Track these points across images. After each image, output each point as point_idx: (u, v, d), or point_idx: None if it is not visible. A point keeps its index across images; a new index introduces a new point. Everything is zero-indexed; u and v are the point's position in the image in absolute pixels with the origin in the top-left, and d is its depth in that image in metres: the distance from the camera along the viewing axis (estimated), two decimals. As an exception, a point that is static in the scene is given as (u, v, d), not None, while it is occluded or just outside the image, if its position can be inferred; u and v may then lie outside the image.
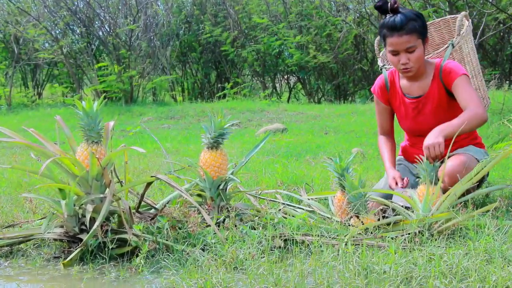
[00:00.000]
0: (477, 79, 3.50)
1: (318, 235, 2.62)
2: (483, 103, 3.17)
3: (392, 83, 3.36)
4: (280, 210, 3.10)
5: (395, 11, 3.13)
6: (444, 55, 3.28)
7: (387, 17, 3.16)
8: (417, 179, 3.05)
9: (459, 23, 3.42)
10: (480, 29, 8.52)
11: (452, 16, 3.77)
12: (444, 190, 2.85)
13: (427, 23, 3.35)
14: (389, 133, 3.50)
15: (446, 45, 3.36)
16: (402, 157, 3.49)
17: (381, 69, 3.45)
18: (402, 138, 3.58)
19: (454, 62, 3.24)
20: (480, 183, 3.17)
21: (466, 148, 3.22)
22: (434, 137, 2.92)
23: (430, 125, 3.12)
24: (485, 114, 3.05)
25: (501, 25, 9.95)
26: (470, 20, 3.52)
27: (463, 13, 3.48)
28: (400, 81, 3.34)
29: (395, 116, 3.47)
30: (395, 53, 3.14)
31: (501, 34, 10.79)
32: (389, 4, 3.15)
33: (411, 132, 3.39)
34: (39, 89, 13.77)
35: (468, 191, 2.86)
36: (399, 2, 3.23)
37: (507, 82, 10.45)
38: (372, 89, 3.46)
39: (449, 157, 3.06)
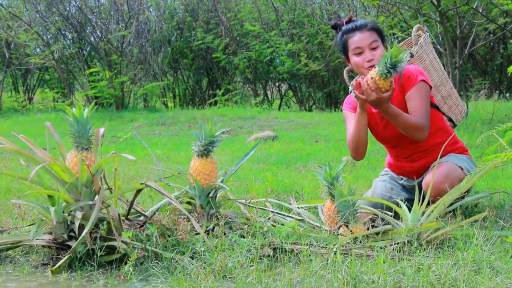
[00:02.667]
0: (447, 87, 3.49)
1: (307, 244, 2.62)
2: (428, 119, 3.12)
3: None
4: (269, 218, 3.10)
5: (349, 21, 3.24)
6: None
7: (345, 25, 3.23)
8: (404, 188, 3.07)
9: (414, 33, 3.42)
10: (471, 39, 8.57)
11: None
12: (433, 201, 2.87)
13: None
14: None
15: (405, 55, 3.37)
16: (389, 169, 3.51)
17: (351, 92, 3.41)
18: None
19: (413, 66, 3.24)
20: (467, 192, 3.18)
21: (448, 157, 3.20)
22: (377, 95, 2.91)
23: (396, 133, 3.18)
24: (425, 130, 3.06)
25: (491, 35, 10.03)
26: (426, 32, 3.51)
27: (417, 25, 3.48)
28: None
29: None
30: (359, 51, 3.15)
31: (491, 44, 10.88)
32: (344, 20, 3.25)
33: (386, 142, 3.38)
34: (30, 94, 13.74)
35: (455, 200, 2.88)
36: (353, 17, 3.30)
37: (497, 91, 10.53)
38: (343, 108, 3.41)
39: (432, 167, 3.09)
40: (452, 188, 2.86)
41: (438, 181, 2.96)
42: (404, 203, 2.90)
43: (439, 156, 3.02)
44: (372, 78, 2.89)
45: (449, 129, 3.35)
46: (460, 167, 3.11)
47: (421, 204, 2.76)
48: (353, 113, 3.30)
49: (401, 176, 3.41)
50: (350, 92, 3.36)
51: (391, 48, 2.78)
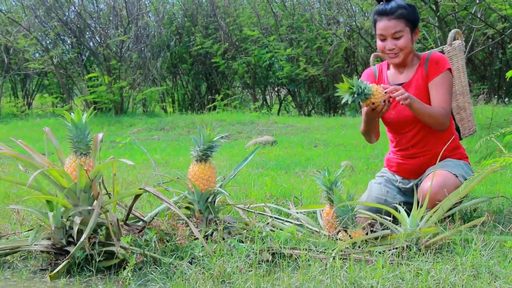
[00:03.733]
0: (465, 99, 3.49)
1: (306, 249, 2.62)
2: (450, 110, 3.20)
3: (380, 72, 3.40)
4: (268, 223, 3.10)
5: None
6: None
7: (380, 4, 3.23)
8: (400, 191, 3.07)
9: (450, 36, 3.46)
10: (469, 44, 8.59)
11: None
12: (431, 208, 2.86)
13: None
14: None
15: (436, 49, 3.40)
16: (386, 169, 3.49)
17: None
18: (387, 150, 3.58)
19: (440, 54, 3.27)
20: (465, 197, 3.17)
21: (444, 163, 3.20)
22: (404, 92, 2.97)
23: (409, 116, 3.17)
24: (447, 122, 3.15)
25: (490, 40, 10.05)
26: (463, 39, 3.53)
27: (455, 30, 3.52)
28: (388, 71, 3.37)
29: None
30: (382, 38, 3.19)
31: (490, 49, 10.89)
32: None
33: (393, 124, 3.33)
34: (29, 99, 13.73)
35: (454, 205, 2.87)
36: None
37: (496, 96, 10.54)
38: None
39: (428, 174, 3.09)
40: (454, 191, 2.86)
41: (434, 192, 2.95)
42: (403, 207, 2.89)
43: (437, 161, 3.01)
44: None
45: (455, 134, 3.34)
46: (455, 174, 3.10)
47: (420, 209, 2.76)
48: None
49: (397, 177, 3.39)
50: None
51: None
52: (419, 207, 2.77)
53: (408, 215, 2.78)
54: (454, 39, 3.48)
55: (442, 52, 3.40)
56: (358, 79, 2.92)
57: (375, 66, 3.45)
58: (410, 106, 3.01)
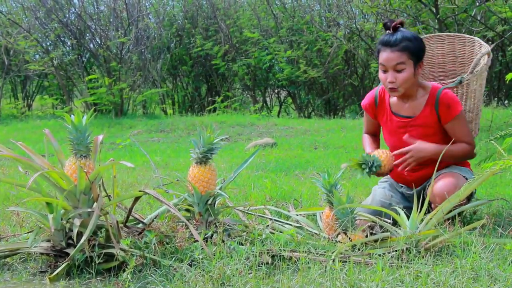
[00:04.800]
0: (473, 113, 3.44)
1: (306, 252, 2.62)
2: (472, 138, 3.26)
3: (381, 99, 3.35)
4: (268, 225, 3.10)
5: (395, 29, 3.14)
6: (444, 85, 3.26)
7: (386, 33, 3.18)
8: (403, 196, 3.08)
9: (477, 59, 3.37)
10: (469, 46, 8.57)
11: (478, 41, 3.63)
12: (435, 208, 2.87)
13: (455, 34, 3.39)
14: (374, 134, 3.55)
15: (454, 80, 3.32)
16: (389, 176, 3.49)
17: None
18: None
19: (451, 93, 3.19)
20: (468, 200, 3.18)
21: (451, 168, 3.21)
22: (418, 154, 3.08)
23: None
24: (473, 152, 3.22)
25: (490, 42, 10.03)
26: (491, 55, 3.45)
27: (488, 49, 3.42)
28: (390, 98, 3.32)
29: (381, 129, 3.49)
30: (384, 69, 3.13)
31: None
32: (392, 24, 3.17)
33: (395, 149, 3.33)
34: (29, 100, 13.73)
35: (455, 208, 2.87)
36: (405, 23, 3.24)
37: (495, 99, 10.54)
38: (362, 104, 3.46)
39: (436, 177, 3.08)
40: (454, 194, 2.87)
41: (448, 191, 2.96)
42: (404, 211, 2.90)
43: (437, 164, 3.01)
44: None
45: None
46: (465, 177, 3.12)
47: (420, 212, 2.76)
48: (367, 114, 3.45)
49: (401, 184, 3.41)
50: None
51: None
52: (419, 209, 2.77)
53: (408, 217, 2.79)
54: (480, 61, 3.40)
55: (461, 82, 3.31)
56: (366, 155, 3.10)
57: (378, 90, 3.37)
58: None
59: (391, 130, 3.32)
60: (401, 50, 3.07)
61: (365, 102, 3.43)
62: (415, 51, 3.10)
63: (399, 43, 3.08)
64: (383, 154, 3.12)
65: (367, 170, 3.06)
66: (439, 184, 3.03)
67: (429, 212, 2.86)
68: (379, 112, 3.37)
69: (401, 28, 3.15)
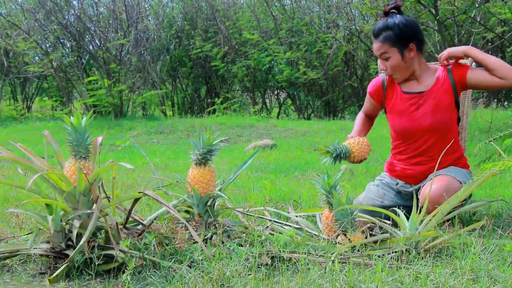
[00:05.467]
0: (464, 121, 3.47)
1: (305, 253, 2.62)
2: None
3: (390, 82, 3.36)
4: (267, 227, 3.09)
5: (386, 14, 3.22)
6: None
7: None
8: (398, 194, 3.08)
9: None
10: (469, 47, 8.58)
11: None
12: (428, 213, 2.86)
13: None
14: (370, 117, 3.58)
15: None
16: (386, 173, 3.48)
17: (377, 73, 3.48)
18: (388, 154, 3.58)
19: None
20: (465, 201, 3.17)
21: (448, 169, 3.19)
22: (461, 49, 3.10)
23: (425, 125, 3.17)
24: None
25: (489, 44, 10.05)
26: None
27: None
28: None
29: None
30: (378, 57, 3.27)
31: (489, 52, 10.88)
32: (386, 9, 3.24)
33: (403, 132, 3.30)
34: (29, 102, 13.74)
35: (453, 208, 2.87)
36: (402, 4, 3.27)
37: (495, 100, 10.55)
38: (368, 90, 3.48)
39: (432, 177, 3.08)
40: (454, 195, 2.86)
41: (438, 195, 2.95)
42: (402, 210, 2.89)
43: (437, 164, 3.01)
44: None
45: (459, 145, 3.34)
46: (459, 181, 3.09)
47: (419, 213, 2.76)
48: (371, 99, 3.46)
49: (397, 181, 3.38)
50: (379, 73, 3.47)
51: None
52: (418, 210, 2.77)
53: (408, 218, 2.79)
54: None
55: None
56: (335, 143, 3.17)
57: (385, 75, 3.39)
58: (471, 55, 3.11)
59: (401, 110, 3.28)
60: (381, 41, 3.17)
61: (370, 89, 3.44)
62: (397, 38, 3.15)
63: (379, 34, 3.18)
64: (356, 145, 3.19)
65: (332, 158, 3.17)
66: (433, 188, 3.00)
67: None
68: (388, 96, 3.37)
69: (394, 13, 3.21)
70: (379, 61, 3.28)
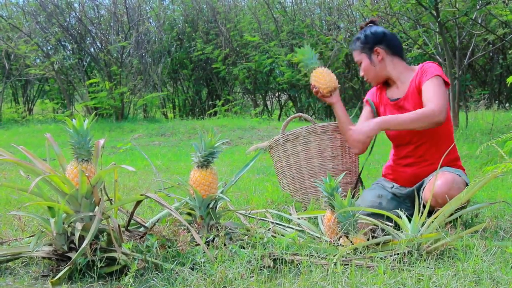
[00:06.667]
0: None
1: (308, 255, 2.62)
2: (441, 102, 3.06)
3: (378, 90, 3.52)
4: (269, 229, 3.09)
5: (361, 28, 3.48)
6: None
7: None
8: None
9: None
10: (470, 49, 8.60)
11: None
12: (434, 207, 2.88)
13: None
14: None
15: None
16: (383, 178, 3.53)
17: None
18: (388, 155, 3.60)
19: (434, 64, 3.27)
20: (467, 204, 3.18)
21: (446, 169, 3.19)
22: (368, 124, 3.16)
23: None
24: (441, 115, 3.03)
25: (490, 45, 10.06)
26: None
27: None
28: (387, 89, 3.47)
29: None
30: None
31: (490, 54, 10.91)
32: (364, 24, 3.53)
33: (393, 137, 3.43)
34: (30, 105, 13.75)
35: (455, 210, 2.87)
36: (377, 19, 3.52)
37: (496, 102, 10.55)
38: (364, 99, 3.60)
39: (430, 178, 3.09)
40: (456, 197, 2.86)
41: (447, 188, 2.96)
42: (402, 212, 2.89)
43: (439, 166, 3.01)
44: None
45: (455, 147, 3.35)
46: (460, 175, 3.13)
47: (421, 215, 2.76)
48: (365, 111, 3.55)
49: (392, 184, 3.42)
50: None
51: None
52: (420, 212, 2.77)
53: (409, 220, 2.79)
54: None
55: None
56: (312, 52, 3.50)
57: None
58: (384, 129, 3.20)
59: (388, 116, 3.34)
60: (354, 50, 3.45)
61: (367, 97, 3.58)
62: (363, 45, 3.40)
63: (352, 45, 3.47)
64: (325, 73, 3.45)
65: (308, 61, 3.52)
66: (438, 183, 3.01)
67: (429, 214, 2.86)
68: (379, 104, 3.50)
69: (369, 27, 3.44)
70: None
